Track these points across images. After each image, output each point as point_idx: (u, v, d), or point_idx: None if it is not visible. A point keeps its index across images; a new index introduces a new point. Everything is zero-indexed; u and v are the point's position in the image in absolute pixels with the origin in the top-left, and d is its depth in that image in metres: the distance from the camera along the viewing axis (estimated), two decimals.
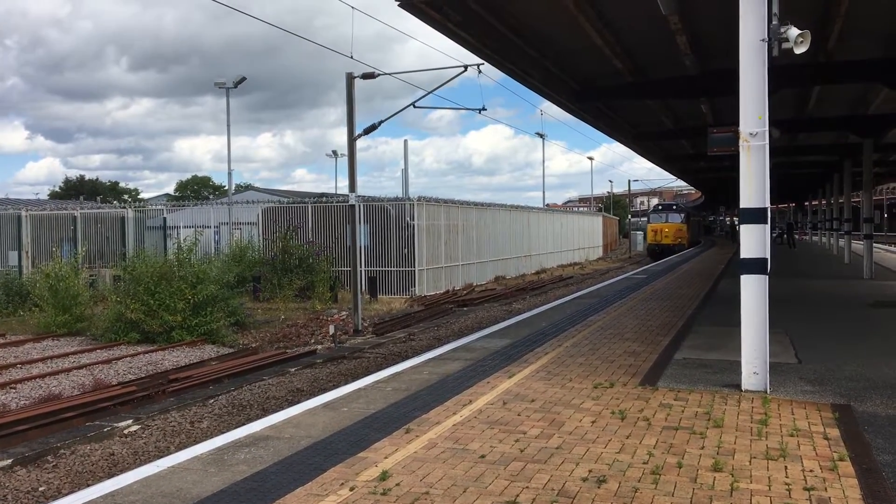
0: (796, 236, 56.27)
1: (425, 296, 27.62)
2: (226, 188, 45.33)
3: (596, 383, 8.30)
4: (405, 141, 61.12)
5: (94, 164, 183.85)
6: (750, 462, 5.63)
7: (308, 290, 25.24)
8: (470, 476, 5.40)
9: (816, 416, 6.92)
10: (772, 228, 9.77)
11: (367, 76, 19.99)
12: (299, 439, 6.42)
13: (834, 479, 5.26)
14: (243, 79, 35.70)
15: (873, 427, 6.55)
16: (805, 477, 5.31)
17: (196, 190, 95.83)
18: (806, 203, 64.92)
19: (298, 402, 9.55)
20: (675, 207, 54.92)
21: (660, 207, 56.65)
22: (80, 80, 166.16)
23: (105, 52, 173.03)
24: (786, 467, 5.51)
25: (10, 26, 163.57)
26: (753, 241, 7.65)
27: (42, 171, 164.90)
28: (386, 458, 5.83)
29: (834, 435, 6.31)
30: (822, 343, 10.76)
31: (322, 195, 35.47)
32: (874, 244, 24.50)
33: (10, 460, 8.92)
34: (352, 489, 5.17)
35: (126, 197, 69.43)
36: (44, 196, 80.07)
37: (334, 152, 71.34)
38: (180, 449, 7.67)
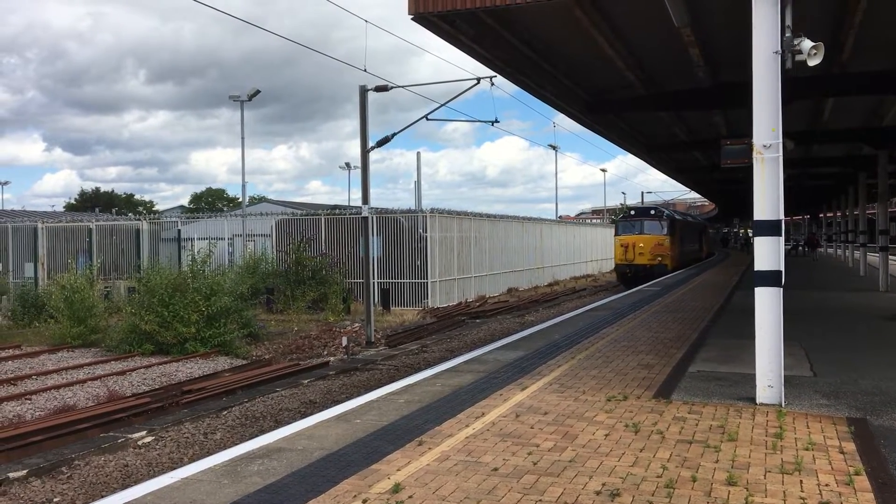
0: (820, 249, 55.13)
1: (438, 308, 27.61)
2: (240, 200, 45.55)
3: (609, 396, 8.27)
4: (418, 153, 61.40)
5: (111, 177, 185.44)
6: (765, 476, 5.59)
7: (321, 302, 25.31)
8: (483, 489, 5.39)
9: (832, 429, 6.86)
10: (786, 240, 9.65)
11: (381, 89, 20.09)
12: (312, 451, 6.42)
13: (850, 494, 5.22)
14: (257, 92, 35.99)
15: (890, 441, 6.50)
16: (821, 491, 5.27)
17: (210, 202, 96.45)
18: (821, 215, 64.60)
19: (311, 413, 9.58)
20: (653, 213, 38.64)
21: (632, 213, 39.61)
22: (98, 93, 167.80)
23: (124, 65, 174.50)
24: (801, 481, 5.47)
25: (31, 39, 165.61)
26: (767, 253, 7.62)
27: (59, 183, 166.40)
28: (398, 470, 5.83)
29: (850, 449, 6.26)
30: (837, 356, 10.68)
31: (335, 207, 35.59)
32: (890, 256, 24.31)
33: (25, 471, 8.98)
34: (364, 501, 5.17)
35: (141, 209, 69.91)
36: (59, 208, 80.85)
37: (347, 164, 71.77)
38: (194, 460, 7.70)
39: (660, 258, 35.83)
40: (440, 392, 8.70)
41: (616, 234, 38.34)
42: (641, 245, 36.10)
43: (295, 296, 25.16)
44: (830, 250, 57.18)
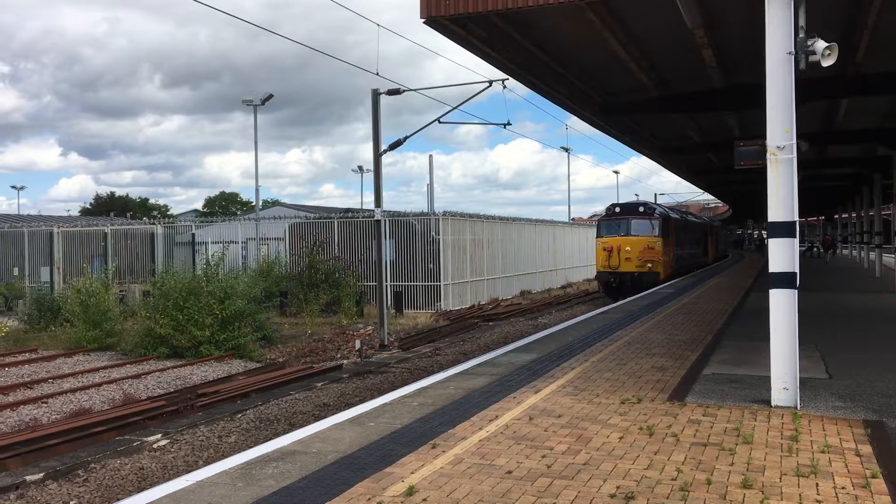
0: (836, 251, 54.61)
1: (451, 310, 27.63)
2: (253, 204, 45.67)
3: (623, 399, 8.25)
4: (430, 156, 61.50)
5: (126, 181, 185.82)
6: (780, 479, 5.57)
7: (334, 305, 25.37)
8: (496, 492, 5.39)
9: (848, 432, 6.82)
10: (800, 242, 9.57)
11: (393, 92, 20.14)
12: (326, 454, 6.44)
13: (866, 497, 5.18)
14: (270, 96, 36.17)
15: None
16: (837, 494, 5.24)
17: (224, 206, 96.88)
18: (835, 216, 64.17)
19: (325, 416, 9.59)
20: (642, 210, 31.48)
21: (617, 210, 31.60)
22: (113, 98, 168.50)
23: (139, 70, 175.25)
24: (817, 484, 5.44)
25: (48, 44, 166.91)
26: (782, 254, 7.59)
27: (74, 188, 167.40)
28: (412, 473, 5.84)
29: (866, 451, 6.22)
30: (852, 358, 10.60)
31: (348, 210, 35.70)
32: None
33: (41, 474, 9.05)
34: None
35: (155, 213, 70.35)
36: (75, 213, 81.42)
37: (360, 167, 71.87)
38: (209, 463, 7.73)
39: (650, 265, 29.61)
40: (453, 395, 8.70)
41: (598, 236, 31.39)
42: (628, 249, 29.82)
43: (308, 299, 25.24)
44: (846, 251, 56.77)
